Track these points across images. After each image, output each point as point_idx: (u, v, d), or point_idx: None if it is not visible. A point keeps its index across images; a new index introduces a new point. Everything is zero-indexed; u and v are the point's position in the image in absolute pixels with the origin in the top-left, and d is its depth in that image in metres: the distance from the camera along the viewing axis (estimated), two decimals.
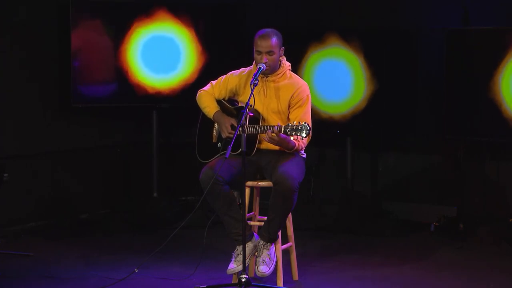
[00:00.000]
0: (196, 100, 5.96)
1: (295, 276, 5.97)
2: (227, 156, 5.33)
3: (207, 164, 5.73)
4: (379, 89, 7.33)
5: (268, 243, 5.68)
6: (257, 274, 5.66)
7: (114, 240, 7.14)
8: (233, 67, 6.00)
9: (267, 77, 5.78)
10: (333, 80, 7.46)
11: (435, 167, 7.68)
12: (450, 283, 5.98)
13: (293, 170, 5.59)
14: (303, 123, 5.43)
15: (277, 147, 5.68)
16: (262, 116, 5.74)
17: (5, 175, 6.41)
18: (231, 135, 5.67)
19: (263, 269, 5.63)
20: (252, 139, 5.71)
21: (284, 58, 5.82)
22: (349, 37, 7.37)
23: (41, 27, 7.44)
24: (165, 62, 7.65)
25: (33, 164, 7.43)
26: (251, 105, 5.69)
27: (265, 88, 5.78)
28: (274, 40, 5.69)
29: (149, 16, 7.58)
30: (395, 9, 7.62)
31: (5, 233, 7.11)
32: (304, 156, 5.85)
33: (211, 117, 5.87)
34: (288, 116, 5.75)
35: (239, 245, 5.68)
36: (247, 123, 5.61)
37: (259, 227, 5.83)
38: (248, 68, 5.88)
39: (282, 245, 5.79)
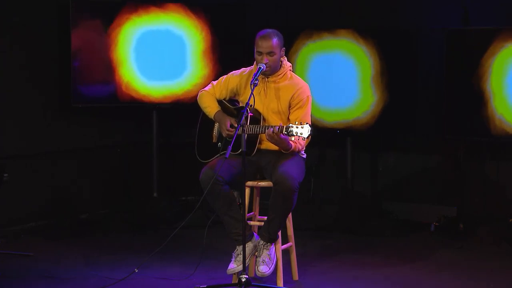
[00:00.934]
0: (197, 101, 5.97)
1: (295, 276, 5.97)
2: (227, 156, 5.33)
3: (207, 164, 5.73)
4: (379, 89, 7.35)
5: (268, 243, 5.68)
6: (257, 274, 5.66)
7: (114, 240, 7.14)
8: (233, 67, 6.00)
9: (267, 78, 5.78)
10: (333, 80, 7.46)
11: (435, 167, 7.68)
12: (450, 283, 5.98)
13: (293, 170, 5.59)
14: (305, 123, 5.43)
15: (277, 148, 5.68)
16: (262, 116, 5.74)
17: (5, 175, 6.40)
18: (232, 134, 5.67)
19: (263, 269, 5.63)
20: (253, 139, 5.71)
21: (285, 58, 5.82)
22: (363, 34, 7.36)
23: (41, 27, 7.43)
24: (165, 62, 7.64)
25: (33, 164, 7.42)
26: (251, 105, 5.69)
27: (265, 88, 5.78)
28: (275, 40, 5.69)
29: (141, 15, 7.56)
30: (395, 9, 7.62)
31: (5, 233, 7.11)
32: (304, 156, 5.85)
33: (212, 117, 5.87)
34: (288, 117, 5.75)
35: (239, 245, 5.67)
36: (247, 123, 5.61)
37: (259, 227, 5.83)
38: (248, 68, 5.88)
39: (282, 245, 5.79)
